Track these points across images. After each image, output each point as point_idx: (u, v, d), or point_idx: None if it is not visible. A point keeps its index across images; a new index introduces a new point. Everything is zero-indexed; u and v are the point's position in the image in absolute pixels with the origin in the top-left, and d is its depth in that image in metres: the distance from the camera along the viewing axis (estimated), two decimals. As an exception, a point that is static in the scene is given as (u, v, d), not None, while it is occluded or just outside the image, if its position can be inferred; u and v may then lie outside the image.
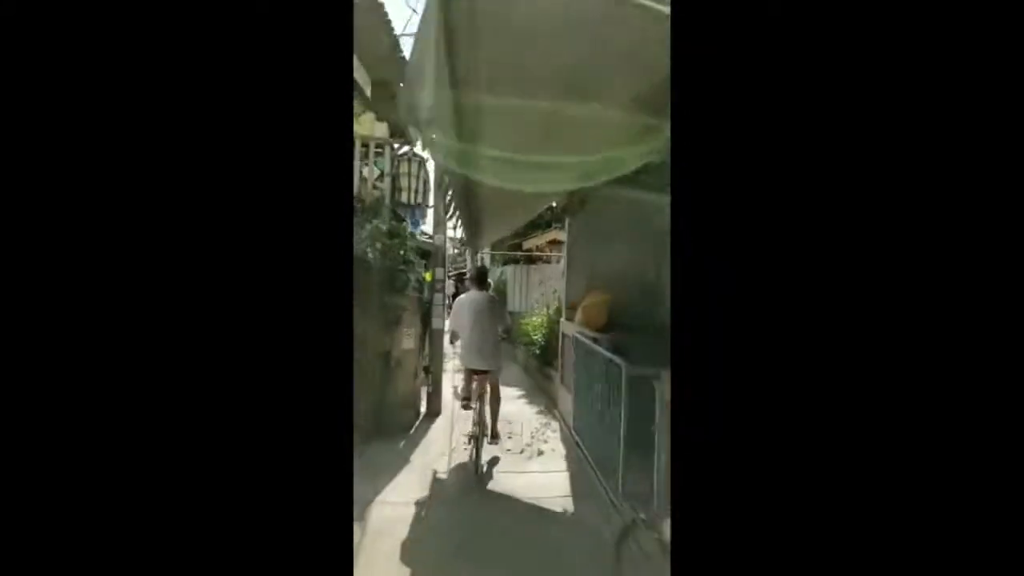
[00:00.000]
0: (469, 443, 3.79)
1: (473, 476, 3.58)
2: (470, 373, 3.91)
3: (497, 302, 4.08)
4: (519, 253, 10.81)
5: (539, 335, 7.01)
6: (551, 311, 6.93)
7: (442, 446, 4.25)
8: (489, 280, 4.51)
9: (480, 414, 3.69)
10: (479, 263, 6.89)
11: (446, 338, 4.83)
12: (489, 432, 3.92)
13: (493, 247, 11.46)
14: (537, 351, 6.95)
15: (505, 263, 11.49)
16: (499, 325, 3.92)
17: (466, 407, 3.97)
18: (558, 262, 8.45)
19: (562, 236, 9.53)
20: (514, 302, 10.27)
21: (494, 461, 3.89)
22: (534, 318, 7.67)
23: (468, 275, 6.79)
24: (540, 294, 8.57)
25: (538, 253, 10.05)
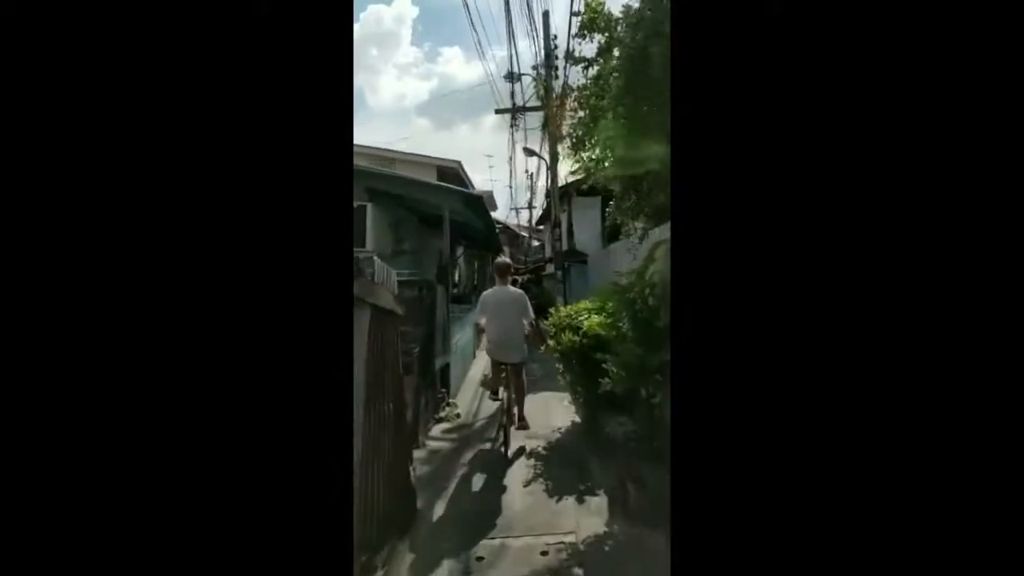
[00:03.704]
0: (497, 432, 4.00)
1: (501, 461, 3.69)
2: (497, 364, 4.03)
3: (521, 296, 4.14)
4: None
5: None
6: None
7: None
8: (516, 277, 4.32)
9: (508, 403, 3.86)
10: (501, 259, 6.02)
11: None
12: (516, 420, 4.01)
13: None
14: None
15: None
16: (523, 319, 4.00)
17: (494, 399, 4.22)
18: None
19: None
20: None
21: (520, 451, 3.88)
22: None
23: (494, 269, 5.97)
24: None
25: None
